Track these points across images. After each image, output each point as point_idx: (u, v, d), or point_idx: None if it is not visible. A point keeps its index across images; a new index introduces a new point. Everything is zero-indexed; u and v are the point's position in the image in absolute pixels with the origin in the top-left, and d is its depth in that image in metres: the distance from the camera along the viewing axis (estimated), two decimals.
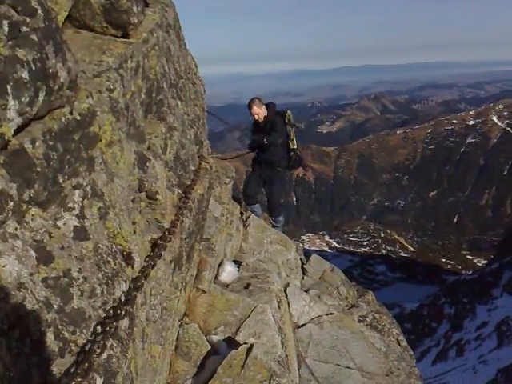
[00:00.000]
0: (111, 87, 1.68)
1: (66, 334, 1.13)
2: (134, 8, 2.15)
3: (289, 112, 6.31)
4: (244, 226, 5.52)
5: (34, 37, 1.13)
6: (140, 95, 2.14)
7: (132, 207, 1.73)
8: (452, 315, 34.19)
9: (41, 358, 1.00)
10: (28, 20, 1.13)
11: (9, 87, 1.01)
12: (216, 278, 3.88)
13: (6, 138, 1.02)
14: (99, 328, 1.22)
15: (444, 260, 61.83)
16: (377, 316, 6.02)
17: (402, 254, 64.95)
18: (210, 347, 2.84)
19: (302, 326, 4.49)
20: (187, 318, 2.98)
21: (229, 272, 3.98)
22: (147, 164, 2.04)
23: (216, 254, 3.85)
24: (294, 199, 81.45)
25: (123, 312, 1.29)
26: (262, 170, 6.38)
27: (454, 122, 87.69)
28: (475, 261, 60.30)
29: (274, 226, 6.59)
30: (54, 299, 1.13)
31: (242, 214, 6.01)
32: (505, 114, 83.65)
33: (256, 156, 6.49)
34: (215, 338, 2.98)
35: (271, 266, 4.88)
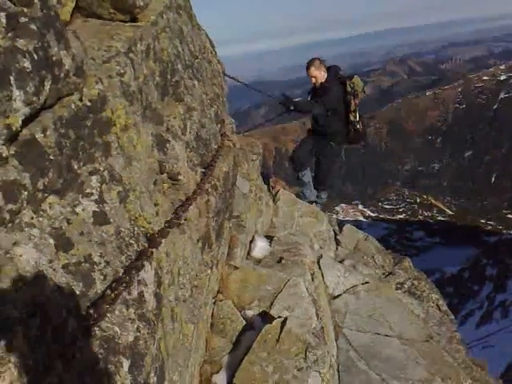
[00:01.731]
0: (121, 71, 1.67)
1: (91, 321, 1.15)
2: None
3: (355, 78, 5.46)
4: (274, 201, 5.51)
5: (33, 26, 1.12)
6: (154, 78, 2.12)
7: (153, 189, 1.74)
8: (494, 276, 33.47)
9: (63, 345, 1.03)
10: (25, 10, 1.12)
11: (12, 78, 1.01)
12: (249, 254, 3.91)
13: (15, 129, 1.03)
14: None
15: (484, 221, 60.15)
16: (415, 282, 5.95)
17: (439, 218, 63.64)
18: (244, 323, 2.89)
19: (338, 296, 4.48)
20: (221, 295, 3.03)
21: (260, 247, 4.00)
22: (167, 145, 2.04)
23: (247, 231, 3.87)
24: None
25: (144, 263, 1.30)
26: (315, 141, 5.77)
27: (485, 78, 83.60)
28: None
29: (314, 202, 6.16)
30: (77, 284, 1.16)
31: (271, 188, 6.00)
32: None
33: (311, 127, 5.89)
34: (249, 314, 3.02)
35: (303, 238, 4.86)
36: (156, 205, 1.70)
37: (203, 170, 2.65)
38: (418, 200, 68.67)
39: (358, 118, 5.55)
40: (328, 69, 5.46)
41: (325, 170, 5.97)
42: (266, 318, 3.00)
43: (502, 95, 79.28)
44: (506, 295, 30.33)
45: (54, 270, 1.08)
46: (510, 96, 78.30)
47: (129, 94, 1.67)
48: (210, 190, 2.51)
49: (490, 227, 58.63)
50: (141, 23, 2.16)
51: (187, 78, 2.85)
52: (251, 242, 4.08)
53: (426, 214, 65.35)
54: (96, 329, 1.11)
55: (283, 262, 3.84)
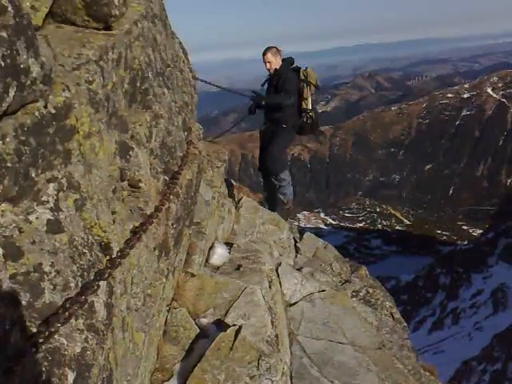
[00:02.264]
0: (90, 79, 1.67)
1: (34, 331, 1.15)
2: (115, 0, 2.14)
3: (309, 69, 5.67)
4: (236, 208, 5.55)
5: (3, 34, 1.12)
6: (123, 85, 2.13)
7: (112, 197, 1.74)
8: (447, 285, 34.84)
9: (5, 357, 1.02)
10: None
11: None
12: (207, 261, 3.93)
13: None
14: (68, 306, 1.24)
15: (439, 231, 62.56)
16: (370, 290, 6.14)
17: (397, 227, 65.61)
18: (198, 331, 2.90)
19: (295, 304, 4.57)
20: (176, 303, 3.03)
21: (219, 254, 4.02)
22: (130, 153, 2.04)
23: (206, 238, 3.88)
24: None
25: (94, 287, 1.31)
26: (269, 130, 5.87)
27: (449, 95, 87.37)
28: (471, 231, 61.04)
29: (279, 188, 6.06)
30: (23, 295, 1.15)
31: (235, 195, 6.04)
32: (499, 85, 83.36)
33: (264, 120, 5.98)
34: (204, 321, 3.04)
35: (263, 246, 4.93)
36: (113, 213, 1.70)
37: (166, 178, 2.66)
38: (378, 209, 70.66)
39: (310, 107, 5.65)
40: (283, 60, 5.71)
41: (274, 147, 5.78)
42: (220, 325, 3.03)
43: (464, 112, 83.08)
44: (457, 303, 31.66)
45: (1, 280, 1.07)
46: (471, 114, 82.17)
47: (95, 101, 1.68)
48: (171, 197, 2.52)
49: (445, 237, 61.08)
50: (114, 31, 2.17)
51: (157, 85, 2.86)
52: (210, 248, 4.10)
53: (385, 223, 67.32)
54: (41, 340, 1.11)
55: (241, 269, 3.89)
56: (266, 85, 5.86)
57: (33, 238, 1.21)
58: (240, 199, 5.91)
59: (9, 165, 1.14)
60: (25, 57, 1.22)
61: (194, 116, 4.31)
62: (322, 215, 69.63)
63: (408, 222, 68.47)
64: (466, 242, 47.58)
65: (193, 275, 3.37)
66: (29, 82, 1.24)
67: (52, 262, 1.25)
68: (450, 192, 77.20)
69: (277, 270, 4.63)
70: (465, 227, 64.56)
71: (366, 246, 58.11)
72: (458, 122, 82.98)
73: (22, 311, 1.12)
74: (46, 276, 1.22)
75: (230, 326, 2.86)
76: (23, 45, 1.22)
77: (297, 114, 5.69)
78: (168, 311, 2.88)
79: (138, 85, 2.46)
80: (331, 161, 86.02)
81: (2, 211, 1.14)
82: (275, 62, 5.60)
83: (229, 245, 4.49)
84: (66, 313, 1.17)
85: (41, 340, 1.06)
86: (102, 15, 2.15)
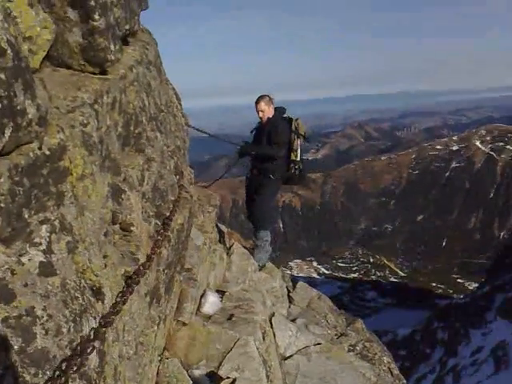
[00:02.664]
0: (85, 122, 1.70)
1: (27, 377, 1.09)
2: (112, 46, 2.21)
3: (299, 120, 5.65)
4: (228, 254, 5.48)
5: (2, 76, 1.14)
6: (116, 129, 2.16)
7: (104, 240, 1.71)
8: (446, 340, 33.92)
9: None
10: None
11: None
12: (198, 309, 3.81)
13: None
14: (64, 365, 1.18)
15: (435, 284, 61.89)
16: (367, 344, 5.94)
17: (392, 278, 64.90)
18: (191, 382, 2.77)
19: (289, 357, 4.41)
20: (167, 353, 2.91)
21: (211, 303, 3.91)
22: (122, 196, 2.04)
23: (198, 285, 3.80)
24: (281, 225, 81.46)
25: (90, 348, 1.26)
26: (253, 179, 5.80)
27: (438, 147, 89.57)
28: (466, 284, 60.52)
29: (255, 246, 5.94)
30: (15, 340, 1.10)
31: (226, 241, 5.97)
32: (488, 138, 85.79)
33: (250, 168, 5.87)
34: (197, 373, 2.91)
35: (256, 295, 4.82)
36: (105, 257, 1.67)
37: (158, 222, 2.64)
38: (372, 260, 70.20)
39: (298, 158, 5.56)
40: (275, 109, 5.66)
41: (260, 202, 5.71)
42: (213, 378, 2.91)
43: (453, 164, 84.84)
44: (457, 360, 30.67)
45: None
46: (461, 166, 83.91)
47: (89, 144, 1.69)
48: (163, 242, 2.49)
49: (440, 290, 60.40)
50: (110, 76, 2.23)
51: (150, 129, 2.90)
52: (202, 296, 3.99)
53: (379, 274, 66.67)
54: None
55: (234, 319, 3.77)
56: (254, 132, 5.82)
57: (25, 281, 1.18)
58: (231, 245, 5.84)
59: (2, 205, 1.12)
60: (22, 98, 1.24)
61: (186, 160, 4.35)
62: (315, 264, 68.92)
63: (402, 274, 67.89)
64: (462, 296, 47.04)
65: (184, 324, 3.26)
66: (24, 124, 1.25)
67: (44, 306, 1.20)
68: (443, 244, 77.24)
69: (270, 321, 4.50)
70: (460, 280, 64.09)
71: (361, 297, 57.19)
72: (447, 174, 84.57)
73: (14, 356, 1.06)
74: (38, 320, 1.17)
75: (223, 379, 2.73)
76: (20, 87, 1.24)
77: (285, 164, 5.57)
78: (160, 361, 2.76)
79: (132, 128, 2.50)
80: (322, 208, 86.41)
81: None
82: (268, 111, 5.56)
83: (220, 293, 4.39)
84: (63, 378, 1.10)
85: None
86: (98, 60, 2.21)
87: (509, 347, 27.14)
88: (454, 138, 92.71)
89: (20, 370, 1.08)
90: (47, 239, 1.30)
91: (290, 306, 6.04)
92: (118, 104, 2.20)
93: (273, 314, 4.69)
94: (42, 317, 1.19)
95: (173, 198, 3.09)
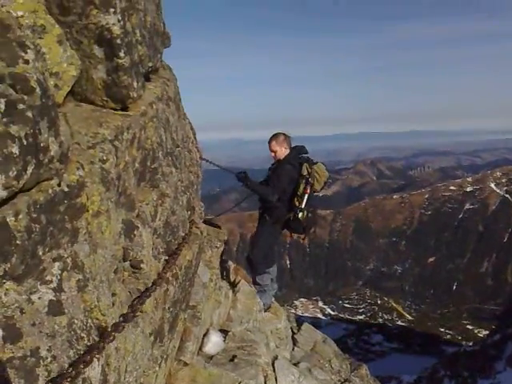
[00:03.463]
0: (104, 158, 1.72)
1: None
2: (135, 84, 2.27)
3: (318, 165, 5.08)
4: (233, 291, 5.40)
5: (29, 114, 1.18)
6: (134, 164, 2.19)
7: (113, 278, 1.70)
8: None
9: None
10: (25, 98, 1.18)
11: None
12: (200, 348, 3.72)
13: None
14: None
15: (443, 330, 60.04)
16: None
17: (399, 322, 63.15)
18: None
19: None
20: None
21: (214, 343, 3.83)
22: (134, 232, 2.04)
23: (202, 323, 3.73)
24: (288, 262, 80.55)
25: (94, 358, 1.23)
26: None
27: (452, 188, 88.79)
28: (476, 331, 58.58)
29: (256, 292, 5.51)
30: (17, 381, 1.08)
31: (232, 277, 5.89)
32: (503, 181, 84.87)
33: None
34: None
35: (259, 336, 4.71)
36: (114, 295, 1.65)
37: (166, 258, 2.63)
38: (379, 302, 68.61)
39: (302, 206, 4.98)
40: (294, 148, 5.18)
41: (257, 244, 5.35)
42: None
43: (467, 206, 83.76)
44: None
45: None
46: (474, 208, 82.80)
47: (107, 180, 1.71)
48: (170, 278, 2.47)
49: (448, 336, 58.52)
50: (131, 112, 2.28)
51: (165, 165, 2.94)
52: (205, 335, 3.91)
53: (386, 317, 64.96)
54: None
55: (236, 360, 3.68)
56: (271, 168, 5.34)
57: (33, 320, 1.17)
58: (238, 282, 5.75)
59: (18, 242, 1.13)
60: (45, 136, 1.27)
61: (199, 195, 4.34)
62: (321, 304, 67.50)
63: (410, 318, 66.06)
64: (471, 343, 45.45)
65: (185, 364, 3.18)
66: (46, 161, 1.28)
67: (49, 347, 1.19)
68: (454, 287, 75.43)
69: (273, 364, 4.38)
70: (469, 326, 62.06)
71: (366, 341, 55.58)
72: (460, 216, 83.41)
73: None
74: (41, 361, 1.16)
75: None
76: (46, 124, 1.27)
77: (286, 208, 5.09)
78: None
79: (149, 164, 2.53)
80: (331, 246, 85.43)
81: (6, 290, 1.11)
82: (280, 152, 5.08)
83: (224, 332, 4.30)
84: None
85: None
86: (120, 97, 2.27)
87: None
88: (468, 179, 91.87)
89: None
90: (58, 277, 1.29)
91: (293, 349, 5.90)
92: (137, 140, 2.24)
93: (276, 357, 4.57)
94: (46, 358, 1.18)
95: (183, 234, 3.08)
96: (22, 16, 1.87)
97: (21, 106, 1.17)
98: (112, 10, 2.18)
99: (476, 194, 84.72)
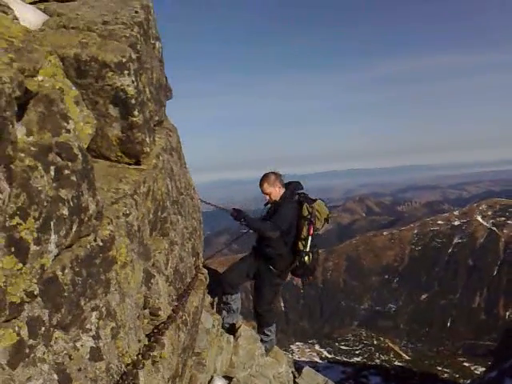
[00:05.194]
0: (127, 212, 1.86)
1: None
2: (147, 139, 2.45)
3: (318, 203, 4.77)
4: (234, 337, 5.38)
5: (73, 178, 1.33)
6: (149, 215, 2.32)
7: (138, 325, 1.80)
8: None
9: None
10: (70, 164, 1.34)
11: (52, 223, 1.18)
12: None
13: (45, 269, 1.15)
14: None
15: (440, 368, 58.78)
16: None
17: (396, 362, 61.74)
18: None
19: None
20: None
21: None
22: (151, 280, 2.15)
23: (206, 370, 3.73)
24: (282, 305, 79.19)
25: None
26: (256, 260, 4.95)
27: (440, 222, 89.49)
28: (472, 368, 57.43)
29: (262, 341, 5.33)
30: None
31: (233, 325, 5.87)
32: (489, 213, 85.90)
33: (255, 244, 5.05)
34: None
35: (263, 380, 4.70)
36: (139, 341, 1.75)
37: (176, 304, 2.70)
38: (375, 342, 67.10)
39: (308, 249, 4.69)
40: (288, 184, 4.87)
41: (264, 297, 5.03)
42: None
43: (456, 240, 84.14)
44: None
45: None
46: (463, 242, 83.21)
47: (131, 233, 1.84)
48: (180, 325, 2.54)
49: (446, 375, 57.15)
50: (144, 166, 2.44)
51: (173, 213, 3.07)
52: (209, 382, 3.89)
53: (383, 357, 63.41)
54: None
55: None
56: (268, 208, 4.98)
57: (79, 365, 1.27)
58: (238, 327, 5.74)
59: (66, 294, 1.25)
60: (86, 197, 1.41)
61: (202, 241, 4.41)
62: (317, 347, 65.83)
63: (407, 357, 64.63)
64: (468, 382, 44.53)
65: None
66: (86, 219, 1.41)
67: None
68: (448, 324, 74.54)
69: None
70: (466, 364, 60.86)
71: (365, 383, 54.16)
72: (450, 250, 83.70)
73: None
74: None
75: None
76: (86, 186, 1.42)
77: (290, 255, 4.78)
78: None
79: (159, 214, 2.66)
80: (325, 286, 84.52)
81: (55, 338, 1.22)
82: (275, 193, 4.72)
83: (228, 379, 4.28)
84: None
85: None
86: (135, 152, 2.44)
87: None
88: (455, 213, 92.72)
89: None
90: (96, 325, 1.40)
91: None
92: (152, 192, 2.38)
93: None
94: None
95: (189, 280, 3.18)
96: (42, 81, 2.06)
97: (66, 172, 1.32)
98: (126, 72, 2.38)
99: (464, 228, 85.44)
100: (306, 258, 4.72)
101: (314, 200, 4.80)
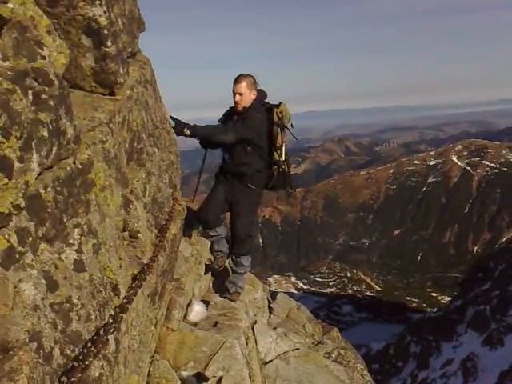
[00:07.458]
0: (103, 139, 1.94)
1: (68, 352, 1.32)
2: (121, 70, 2.46)
3: (282, 105, 4.30)
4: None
5: (51, 102, 1.39)
6: (125, 145, 2.40)
7: (119, 244, 1.94)
8: (418, 354, 34.50)
9: (53, 369, 1.19)
10: (47, 89, 1.39)
11: (33, 143, 1.26)
12: (185, 317, 3.99)
13: (29, 185, 1.25)
14: (91, 346, 1.41)
15: (409, 298, 62.92)
16: (342, 352, 6.22)
17: (368, 293, 65.67)
18: (180, 383, 2.97)
19: (269, 362, 4.63)
20: (158, 355, 3.11)
21: (197, 311, 4.10)
22: (130, 206, 2.27)
23: (185, 294, 4.00)
24: (261, 240, 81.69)
25: (111, 330, 1.49)
26: (227, 185, 4.45)
27: (416, 162, 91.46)
28: (440, 298, 61.72)
29: (234, 272, 4.90)
30: (58, 321, 1.32)
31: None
32: (464, 153, 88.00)
33: (221, 164, 4.53)
34: (185, 374, 3.11)
35: (239, 304, 5.03)
36: (120, 259, 1.90)
37: (156, 231, 2.87)
38: (349, 274, 70.78)
39: (283, 158, 4.35)
40: (258, 91, 4.32)
41: (242, 224, 4.54)
42: (200, 378, 3.11)
43: (430, 179, 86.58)
44: (427, 372, 31.22)
45: (45, 306, 1.26)
46: (437, 180, 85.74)
47: (108, 159, 1.93)
48: (160, 250, 2.71)
49: (414, 304, 61.29)
50: (118, 97, 2.47)
51: (149, 145, 3.14)
52: (188, 305, 4.17)
53: (356, 288, 67.23)
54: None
55: (218, 325, 3.97)
56: (222, 120, 4.43)
57: (64, 274, 1.40)
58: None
59: (49, 210, 1.35)
60: (64, 121, 1.48)
61: (179, 174, 4.49)
62: (293, 279, 69.14)
63: (378, 288, 68.73)
64: (435, 310, 47.95)
65: (173, 330, 3.46)
66: (65, 142, 1.49)
67: (78, 296, 1.43)
68: (419, 258, 78.68)
69: (252, 328, 4.72)
70: (433, 294, 65.26)
71: (337, 312, 57.73)
72: (424, 189, 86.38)
73: (59, 334, 1.29)
74: (74, 307, 1.40)
75: (209, 379, 2.94)
76: (63, 111, 1.49)
77: (266, 168, 4.37)
78: (151, 363, 2.95)
79: (135, 144, 2.74)
80: (302, 223, 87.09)
81: (42, 249, 1.34)
82: (247, 98, 4.16)
83: (206, 302, 4.57)
84: (95, 349, 1.33)
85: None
86: (109, 83, 2.46)
87: (477, 359, 27.84)
88: (431, 153, 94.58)
89: (64, 345, 1.31)
90: (79, 241, 1.53)
91: (270, 316, 6.27)
92: (127, 122, 2.44)
93: (255, 322, 4.91)
94: (77, 305, 1.42)
95: (168, 210, 3.32)
96: (13, 8, 2.03)
97: (43, 96, 1.38)
98: (98, 2, 2.34)
99: (439, 168, 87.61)
100: (284, 167, 4.39)
101: (279, 104, 4.36)
